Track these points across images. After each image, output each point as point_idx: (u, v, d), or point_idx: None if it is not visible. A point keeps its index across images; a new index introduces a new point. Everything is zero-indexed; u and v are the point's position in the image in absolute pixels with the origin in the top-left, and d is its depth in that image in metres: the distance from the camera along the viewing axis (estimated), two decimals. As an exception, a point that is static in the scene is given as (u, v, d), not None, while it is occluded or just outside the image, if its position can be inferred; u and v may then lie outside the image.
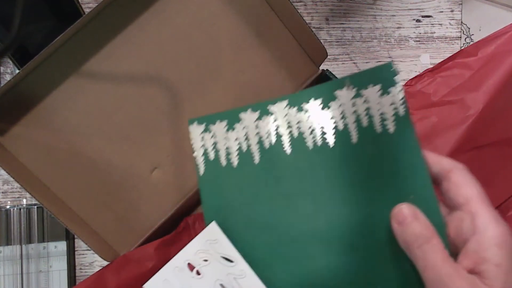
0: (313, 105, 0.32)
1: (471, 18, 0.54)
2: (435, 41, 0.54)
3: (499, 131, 0.42)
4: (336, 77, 0.41)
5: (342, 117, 0.31)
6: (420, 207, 0.28)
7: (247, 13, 0.42)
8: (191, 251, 0.31)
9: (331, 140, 0.31)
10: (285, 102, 0.32)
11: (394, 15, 0.54)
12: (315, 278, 0.30)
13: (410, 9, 0.54)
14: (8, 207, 0.48)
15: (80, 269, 0.49)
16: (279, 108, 0.33)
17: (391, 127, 0.30)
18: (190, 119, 0.34)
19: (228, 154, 0.33)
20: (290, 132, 0.32)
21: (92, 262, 0.49)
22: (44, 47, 0.36)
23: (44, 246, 0.47)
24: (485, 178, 0.43)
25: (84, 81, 0.40)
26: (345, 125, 0.31)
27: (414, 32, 0.54)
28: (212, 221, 0.32)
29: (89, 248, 0.39)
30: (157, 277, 0.31)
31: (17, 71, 0.37)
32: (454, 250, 0.28)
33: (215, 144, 0.33)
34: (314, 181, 0.31)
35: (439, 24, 0.54)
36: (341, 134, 0.31)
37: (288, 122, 0.32)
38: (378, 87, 0.31)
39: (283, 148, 0.32)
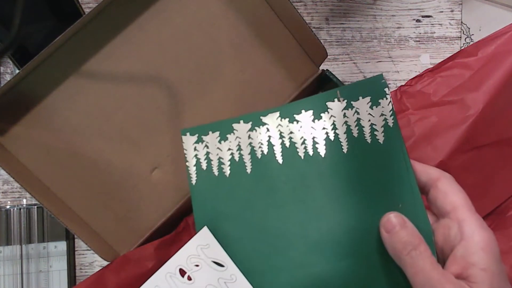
0: (305, 116, 0.32)
1: (471, 18, 0.54)
2: (435, 41, 0.54)
3: (499, 131, 0.42)
4: (336, 77, 0.41)
5: (333, 128, 0.32)
6: (408, 216, 0.28)
7: (247, 13, 0.42)
8: (182, 257, 0.31)
9: (322, 150, 0.32)
10: (277, 114, 0.33)
11: (394, 15, 0.54)
12: (307, 285, 0.30)
13: (410, 9, 0.54)
14: (8, 207, 0.48)
15: (80, 269, 0.49)
16: (271, 119, 0.33)
17: (380, 138, 0.31)
18: (182, 130, 0.34)
19: (220, 164, 0.33)
20: (282, 142, 0.32)
21: (92, 262, 0.49)
22: (44, 47, 0.36)
23: (44, 246, 0.47)
24: (485, 178, 0.43)
25: (84, 81, 0.40)
26: (336, 136, 0.32)
27: (414, 32, 0.54)
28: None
29: (89, 248, 0.39)
30: (148, 284, 0.31)
31: (17, 71, 0.37)
32: (441, 257, 0.28)
33: (207, 154, 0.33)
34: (306, 190, 0.31)
35: (439, 24, 0.54)
36: (332, 144, 0.31)
37: (280, 133, 0.33)
38: (368, 98, 0.31)
39: (275, 158, 0.32)
